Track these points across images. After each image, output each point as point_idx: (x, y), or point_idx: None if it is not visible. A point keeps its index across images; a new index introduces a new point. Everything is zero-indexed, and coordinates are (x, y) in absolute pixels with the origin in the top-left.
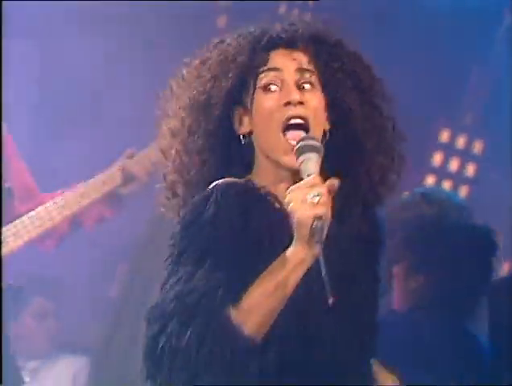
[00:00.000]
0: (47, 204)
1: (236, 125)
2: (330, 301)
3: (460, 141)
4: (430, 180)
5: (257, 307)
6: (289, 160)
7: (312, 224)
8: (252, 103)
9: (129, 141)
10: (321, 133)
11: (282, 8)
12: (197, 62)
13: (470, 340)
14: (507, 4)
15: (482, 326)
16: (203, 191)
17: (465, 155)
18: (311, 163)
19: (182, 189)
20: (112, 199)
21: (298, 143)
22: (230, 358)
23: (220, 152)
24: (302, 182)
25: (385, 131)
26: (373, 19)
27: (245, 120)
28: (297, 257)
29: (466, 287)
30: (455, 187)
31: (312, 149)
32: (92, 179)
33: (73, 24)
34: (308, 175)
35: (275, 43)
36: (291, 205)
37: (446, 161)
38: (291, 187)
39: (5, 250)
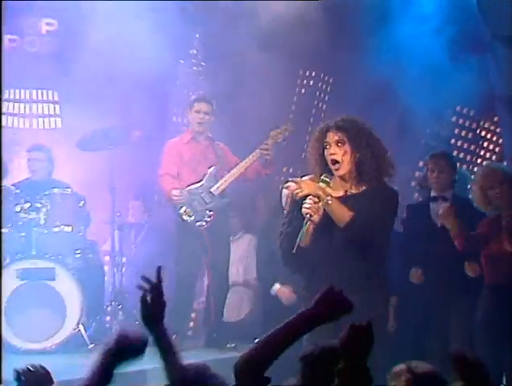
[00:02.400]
0: (238, 165)
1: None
2: None
3: None
4: None
5: (300, 237)
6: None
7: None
8: (324, 152)
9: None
10: (349, 163)
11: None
12: (315, 135)
13: None
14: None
15: None
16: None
17: None
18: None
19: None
20: (263, 163)
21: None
22: (295, 253)
23: (321, 164)
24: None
25: (374, 157)
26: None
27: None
28: None
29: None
30: None
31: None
32: (253, 153)
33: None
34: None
35: (329, 128)
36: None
37: None
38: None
39: (222, 187)
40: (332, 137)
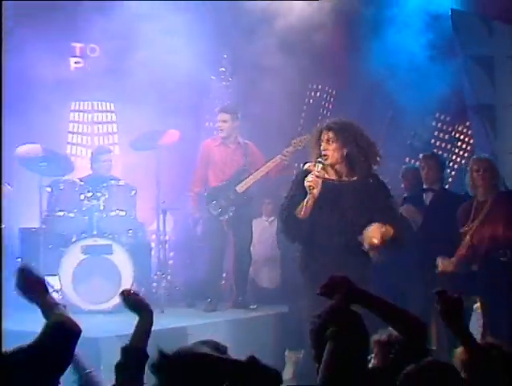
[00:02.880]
0: (260, 169)
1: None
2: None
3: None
4: None
5: (301, 209)
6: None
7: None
8: (319, 147)
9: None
10: (338, 156)
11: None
12: (313, 134)
13: None
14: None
15: None
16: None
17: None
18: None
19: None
20: (281, 167)
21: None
22: (294, 223)
23: (318, 156)
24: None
25: (361, 151)
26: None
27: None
28: None
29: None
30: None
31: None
32: (274, 158)
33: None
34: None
35: (323, 129)
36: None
37: None
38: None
39: (251, 182)
40: (324, 135)
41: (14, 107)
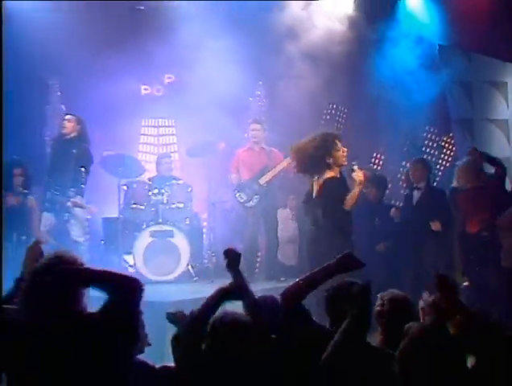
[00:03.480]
0: (277, 166)
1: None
2: None
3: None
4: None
5: (350, 200)
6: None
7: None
8: (333, 154)
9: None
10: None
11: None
12: (323, 142)
13: None
14: None
15: None
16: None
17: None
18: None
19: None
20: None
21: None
22: (342, 215)
23: (319, 163)
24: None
25: None
26: None
27: (330, 158)
28: None
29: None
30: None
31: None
32: (286, 159)
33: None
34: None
35: (339, 138)
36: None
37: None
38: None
39: (267, 178)
40: (340, 143)
41: (99, 123)
